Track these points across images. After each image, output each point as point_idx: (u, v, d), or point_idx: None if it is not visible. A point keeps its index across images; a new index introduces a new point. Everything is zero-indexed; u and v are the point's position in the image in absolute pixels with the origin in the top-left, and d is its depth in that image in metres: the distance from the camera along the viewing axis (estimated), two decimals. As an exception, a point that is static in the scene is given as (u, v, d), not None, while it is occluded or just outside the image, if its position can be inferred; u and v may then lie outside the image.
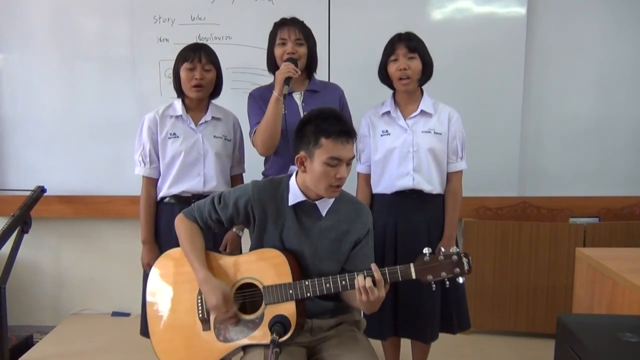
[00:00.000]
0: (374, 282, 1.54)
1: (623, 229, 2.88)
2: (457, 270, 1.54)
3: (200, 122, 2.24)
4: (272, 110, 2.09)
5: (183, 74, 2.17)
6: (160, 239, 2.23)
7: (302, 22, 2.22)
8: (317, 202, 1.71)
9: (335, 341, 1.71)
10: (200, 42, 2.30)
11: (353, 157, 1.66)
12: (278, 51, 2.18)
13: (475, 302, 2.86)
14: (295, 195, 1.71)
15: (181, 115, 2.23)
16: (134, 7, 2.98)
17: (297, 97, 2.23)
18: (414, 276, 1.56)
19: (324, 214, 1.72)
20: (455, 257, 1.54)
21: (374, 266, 1.56)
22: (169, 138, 2.21)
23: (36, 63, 3.07)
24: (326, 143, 1.60)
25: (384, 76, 2.19)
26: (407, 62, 2.10)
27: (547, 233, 2.89)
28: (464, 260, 1.54)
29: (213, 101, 2.32)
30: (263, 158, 2.30)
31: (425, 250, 1.57)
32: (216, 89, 2.27)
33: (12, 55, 3.09)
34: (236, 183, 2.35)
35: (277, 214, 1.72)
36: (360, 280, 1.54)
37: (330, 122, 1.62)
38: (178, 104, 2.24)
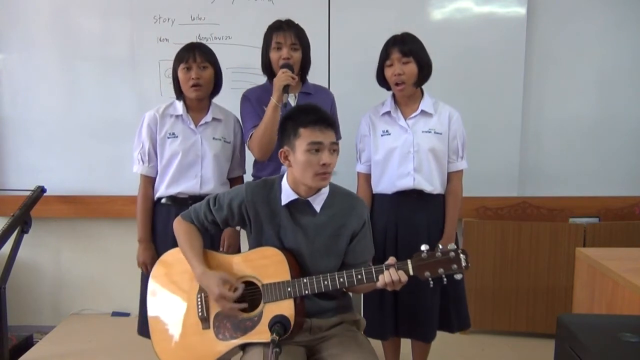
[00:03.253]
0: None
1: (623, 229, 2.89)
2: (455, 266, 1.54)
3: (201, 123, 2.23)
4: (270, 117, 2.10)
5: (180, 75, 2.17)
6: (157, 240, 2.23)
7: (297, 25, 2.22)
8: (309, 199, 1.72)
9: (335, 341, 1.71)
10: (197, 41, 2.29)
11: (335, 144, 1.68)
12: (274, 55, 2.18)
13: (475, 302, 2.87)
14: (287, 195, 1.72)
15: (181, 115, 2.22)
16: (134, 7, 2.99)
17: (292, 99, 2.24)
18: (411, 272, 1.56)
19: (318, 210, 1.72)
20: (452, 254, 1.54)
21: (402, 274, 1.56)
22: (168, 138, 2.21)
23: (36, 63, 3.07)
24: (304, 132, 1.64)
25: (382, 80, 2.19)
26: (402, 67, 2.09)
27: (547, 233, 2.89)
28: (462, 256, 1.54)
29: (215, 101, 2.31)
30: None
31: (423, 247, 1.56)
32: (216, 87, 2.27)
33: (12, 55, 3.09)
34: (235, 185, 2.34)
35: (271, 215, 1.73)
36: (386, 276, 1.55)
37: (306, 113, 1.67)
38: (179, 104, 2.24)
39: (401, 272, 1.56)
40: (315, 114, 1.67)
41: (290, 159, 1.68)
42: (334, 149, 1.68)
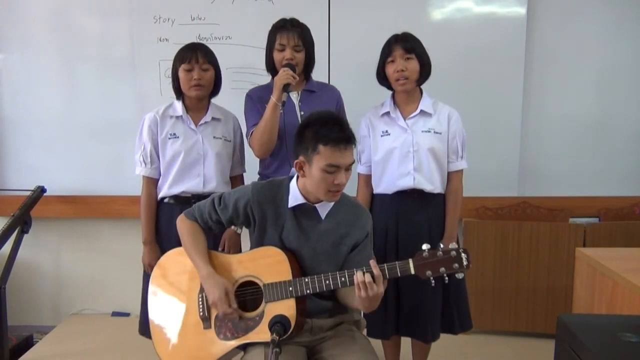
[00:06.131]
0: (372, 278, 1.52)
1: (623, 229, 2.89)
2: (456, 265, 1.54)
3: (201, 122, 2.24)
4: (269, 115, 2.11)
5: (181, 75, 2.17)
6: (161, 239, 2.23)
7: (302, 24, 2.21)
8: (316, 205, 1.71)
9: (335, 341, 1.71)
10: (198, 42, 2.29)
11: (353, 162, 1.65)
12: (277, 56, 2.19)
13: (475, 302, 2.85)
14: (295, 198, 1.71)
15: (181, 116, 2.23)
16: (134, 7, 2.98)
17: (294, 96, 2.24)
18: (412, 272, 1.56)
19: (323, 217, 1.72)
20: (454, 253, 1.54)
21: (372, 262, 1.55)
22: (169, 138, 2.21)
23: (36, 63, 3.07)
24: (324, 150, 1.59)
25: (383, 78, 2.19)
26: (404, 64, 2.10)
27: (547, 233, 2.89)
28: (463, 255, 1.54)
29: (214, 101, 2.32)
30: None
31: (424, 246, 1.56)
32: (215, 88, 2.27)
33: (12, 55, 3.09)
34: (236, 184, 2.35)
35: (276, 216, 1.72)
36: (359, 275, 1.53)
37: (329, 128, 1.60)
38: (178, 104, 2.24)
39: (367, 275, 1.50)
40: (338, 130, 1.59)
41: (305, 170, 1.64)
42: (349, 168, 1.64)
